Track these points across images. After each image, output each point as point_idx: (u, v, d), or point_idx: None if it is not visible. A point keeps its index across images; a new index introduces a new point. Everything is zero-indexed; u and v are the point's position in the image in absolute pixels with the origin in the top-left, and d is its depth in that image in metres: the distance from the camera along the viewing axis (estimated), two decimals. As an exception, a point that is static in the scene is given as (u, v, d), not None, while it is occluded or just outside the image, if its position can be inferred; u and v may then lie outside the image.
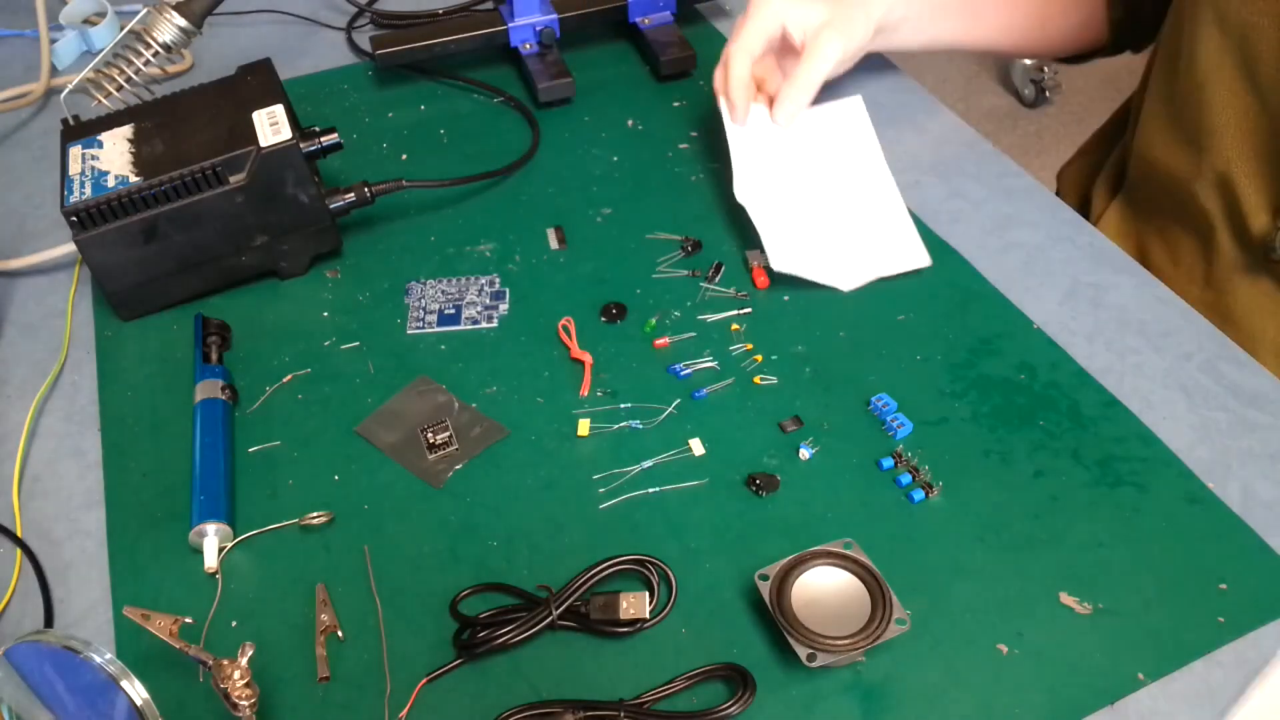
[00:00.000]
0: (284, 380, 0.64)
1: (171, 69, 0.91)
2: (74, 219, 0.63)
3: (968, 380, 0.63)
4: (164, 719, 0.44)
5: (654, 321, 0.66)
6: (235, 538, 0.55)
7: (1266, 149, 0.66)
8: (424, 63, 0.88)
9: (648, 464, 0.58)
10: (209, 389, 0.61)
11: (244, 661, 0.46)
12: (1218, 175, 0.70)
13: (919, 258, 0.69)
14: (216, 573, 0.54)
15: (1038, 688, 0.48)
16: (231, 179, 0.64)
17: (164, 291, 0.68)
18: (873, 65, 0.85)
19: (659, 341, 0.65)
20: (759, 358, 0.63)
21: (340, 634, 0.51)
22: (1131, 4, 0.80)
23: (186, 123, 0.68)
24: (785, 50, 0.74)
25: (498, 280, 0.70)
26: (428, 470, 0.59)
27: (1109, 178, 0.85)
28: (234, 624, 0.52)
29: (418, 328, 0.67)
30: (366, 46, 0.92)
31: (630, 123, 0.83)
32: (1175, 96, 0.72)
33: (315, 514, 0.56)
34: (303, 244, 0.70)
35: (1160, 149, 0.74)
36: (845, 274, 0.68)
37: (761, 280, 0.68)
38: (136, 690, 0.43)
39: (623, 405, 0.62)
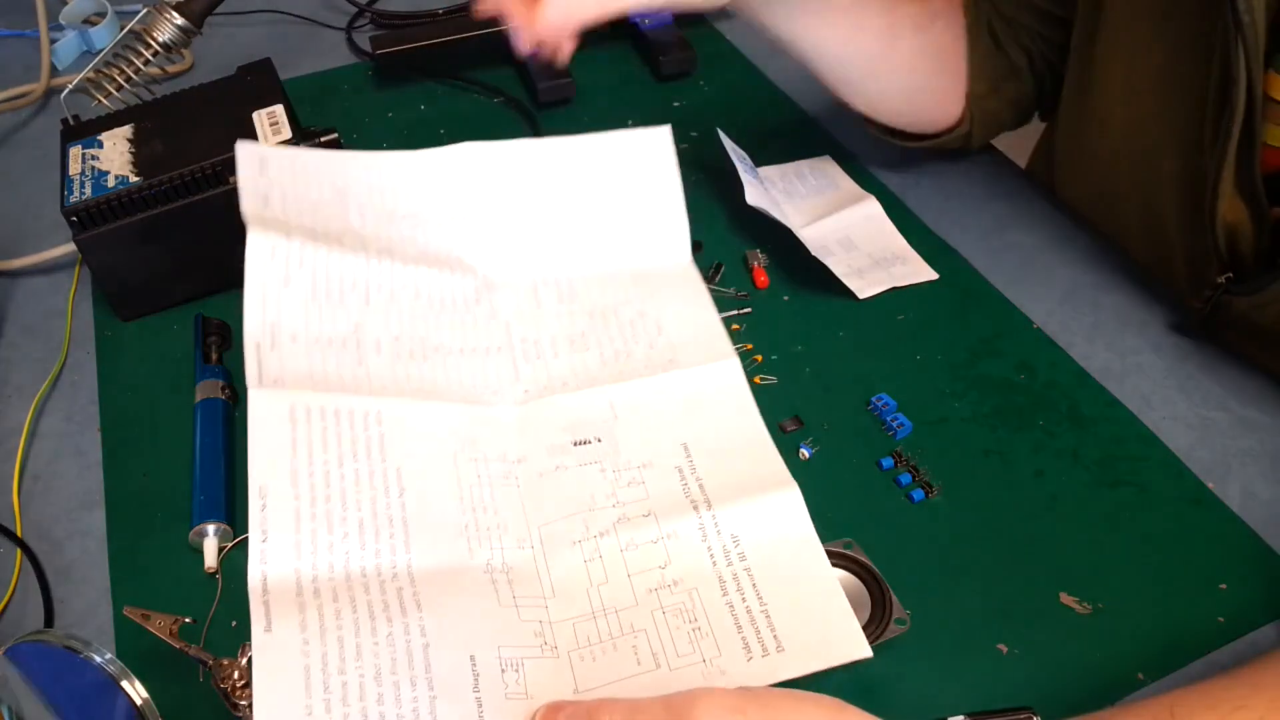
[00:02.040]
0: (284, 380, 0.64)
1: (171, 69, 0.91)
2: (74, 219, 0.62)
3: (968, 380, 0.63)
4: (164, 719, 0.44)
5: (654, 321, 0.66)
6: (235, 538, 0.55)
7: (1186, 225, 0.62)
8: (424, 63, 0.88)
9: (648, 464, 0.58)
10: (209, 389, 0.61)
11: (244, 661, 0.46)
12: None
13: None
14: (216, 573, 0.54)
15: (1038, 688, 0.48)
16: (231, 179, 0.64)
17: (164, 291, 0.68)
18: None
19: (659, 341, 0.65)
20: (759, 358, 0.63)
21: (340, 634, 0.51)
22: (994, 80, 0.70)
23: (186, 123, 0.68)
24: None
25: (498, 280, 0.70)
26: (428, 470, 0.58)
27: None
28: (234, 624, 0.52)
29: (418, 328, 0.67)
30: (366, 46, 0.92)
31: (630, 123, 0.83)
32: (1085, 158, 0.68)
33: (315, 514, 0.56)
34: (303, 244, 0.70)
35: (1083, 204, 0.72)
36: None
37: (761, 280, 0.68)
38: (136, 690, 0.43)
39: (623, 405, 0.61)
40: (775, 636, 0.46)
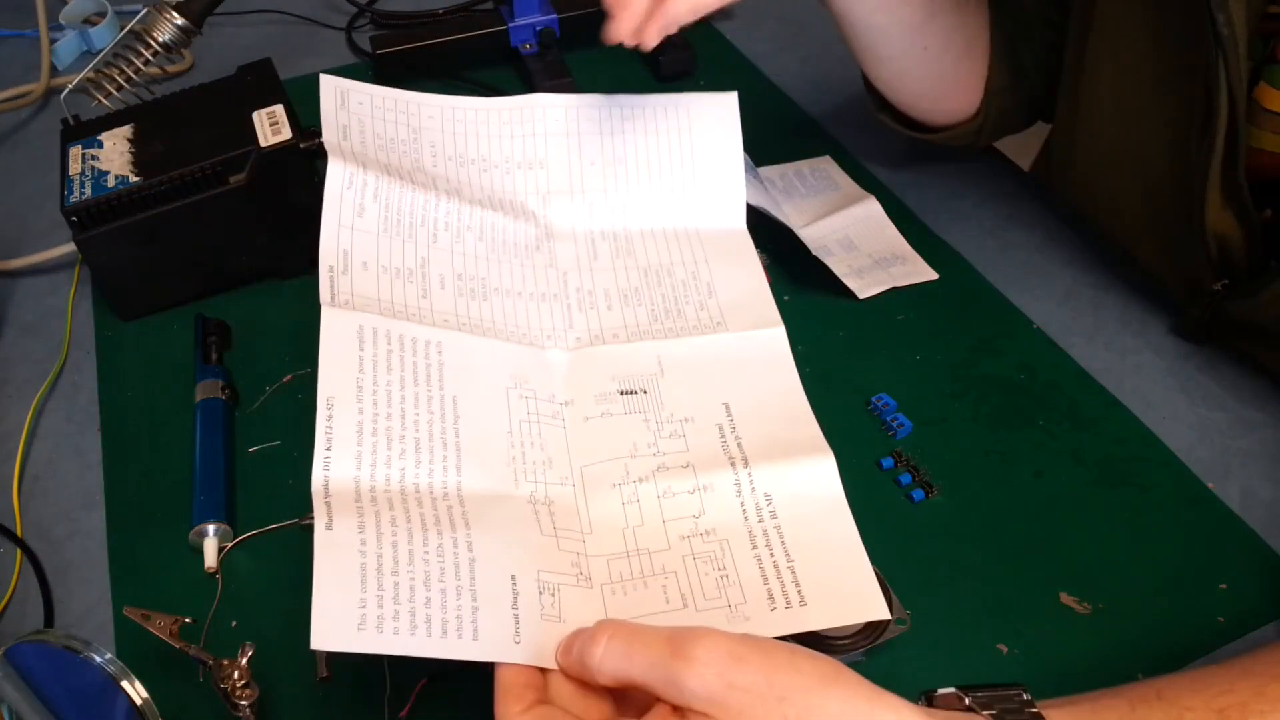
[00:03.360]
0: (284, 380, 0.64)
1: (171, 69, 0.91)
2: (74, 219, 0.63)
3: (968, 380, 0.63)
4: (164, 719, 0.44)
5: (654, 321, 0.66)
6: (235, 538, 0.55)
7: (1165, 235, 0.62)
8: (424, 63, 0.88)
9: (648, 464, 0.58)
10: (209, 389, 0.61)
11: (244, 661, 0.46)
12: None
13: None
14: (216, 573, 0.54)
15: (1038, 688, 0.48)
16: (231, 179, 0.64)
17: (164, 291, 0.68)
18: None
19: (659, 341, 0.65)
20: (759, 358, 0.63)
21: (340, 634, 0.51)
22: (1012, 75, 0.70)
23: (186, 123, 0.68)
24: None
25: (498, 280, 0.70)
26: (428, 470, 0.58)
27: None
28: (234, 624, 0.52)
29: (418, 328, 0.67)
30: (366, 46, 0.92)
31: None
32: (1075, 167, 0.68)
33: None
34: (303, 244, 0.70)
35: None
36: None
37: (761, 280, 0.68)
38: (136, 690, 0.43)
39: (623, 405, 0.61)
40: (800, 591, 0.47)
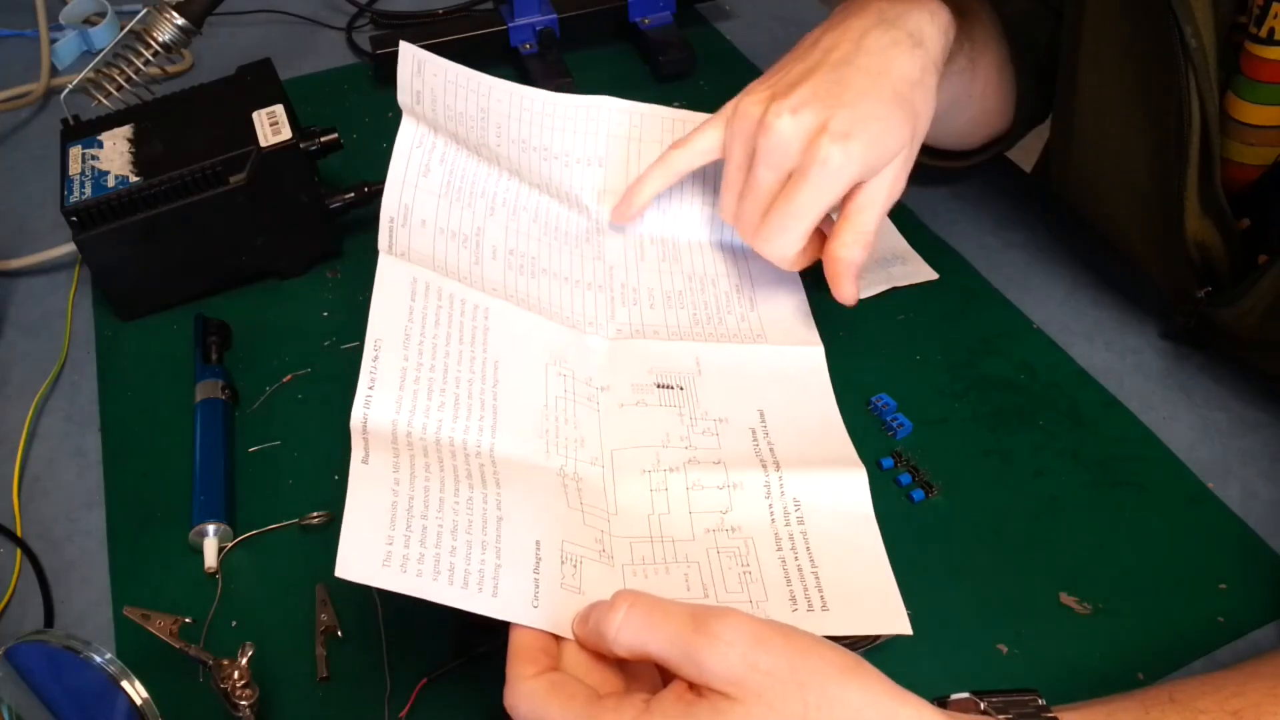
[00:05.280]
0: (284, 380, 0.64)
1: (171, 69, 0.91)
2: (74, 219, 0.62)
3: (968, 380, 0.63)
4: (164, 719, 0.44)
5: (654, 321, 0.66)
6: (235, 538, 0.55)
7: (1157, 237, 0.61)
8: (424, 63, 0.88)
9: (648, 464, 0.58)
10: (209, 389, 0.61)
11: (244, 661, 0.46)
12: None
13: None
14: (216, 573, 0.54)
15: (1038, 688, 0.48)
16: (231, 179, 0.64)
17: (164, 291, 0.68)
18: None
19: (659, 341, 0.65)
20: (759, 358, 0.63)
21: (340, 634, 0.51)
22: (1040, 75, 0.68)
23: (186, 123, 0.68)
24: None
25: (498, 280, 0.70)
26: (428, 470, 0.58)
27: None
28: (234, 624, 0.52)
29: (418, 328, 0.67)
30: (366, 46, 0.92)
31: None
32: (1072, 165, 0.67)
33: (315, 514, 0.56)
34: (303, 244, 0.70)
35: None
36: None
37: (761, 280, 0.68)
38: (136, 690, 0.43)
39: (623, 405, 0.61)
40: (821, 596, 0.47)
